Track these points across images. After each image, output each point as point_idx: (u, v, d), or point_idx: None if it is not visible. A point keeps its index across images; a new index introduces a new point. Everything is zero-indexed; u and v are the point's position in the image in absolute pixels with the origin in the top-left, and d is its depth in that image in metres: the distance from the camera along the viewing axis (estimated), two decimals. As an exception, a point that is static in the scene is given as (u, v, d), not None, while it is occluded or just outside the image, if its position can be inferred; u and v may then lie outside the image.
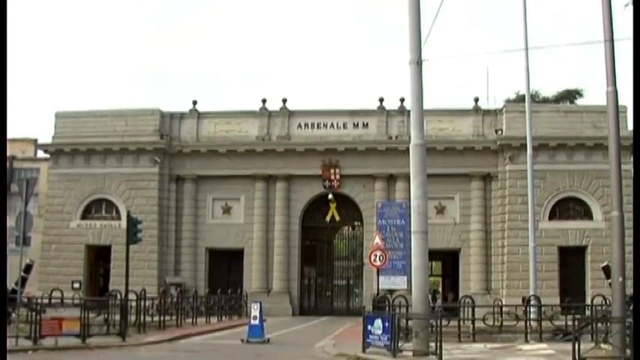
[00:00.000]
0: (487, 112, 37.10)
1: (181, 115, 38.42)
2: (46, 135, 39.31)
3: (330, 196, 37.05)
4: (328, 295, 39.13)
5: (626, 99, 17.27)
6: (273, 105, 38.05)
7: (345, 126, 37.11)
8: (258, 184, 37.42)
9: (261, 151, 37.18)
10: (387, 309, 20.32)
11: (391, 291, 28.12)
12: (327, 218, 37.89)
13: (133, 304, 22.72)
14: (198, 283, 36.45)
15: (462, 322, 21.09)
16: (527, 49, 27.81)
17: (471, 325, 20.78)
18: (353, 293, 39.33)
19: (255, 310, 20.48)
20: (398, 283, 29.96)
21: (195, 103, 38.53)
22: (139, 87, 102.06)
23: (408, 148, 17.12)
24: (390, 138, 36.72)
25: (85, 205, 37.58)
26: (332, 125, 37.17)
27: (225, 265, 37.51)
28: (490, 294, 33.74)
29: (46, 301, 20.99)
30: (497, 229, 35.77)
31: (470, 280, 35.78)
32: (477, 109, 37.05)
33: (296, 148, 36.94)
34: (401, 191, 35.53)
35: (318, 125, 37.31)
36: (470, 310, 21.59)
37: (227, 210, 37.77)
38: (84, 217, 37.57)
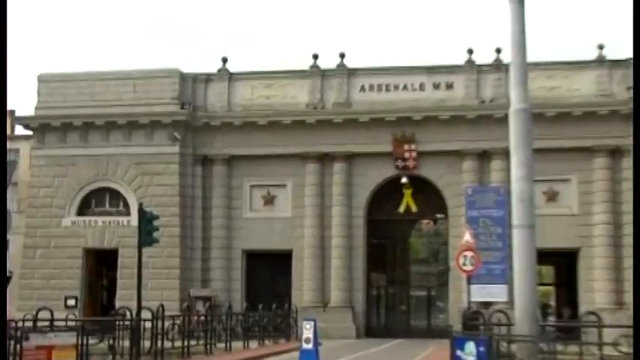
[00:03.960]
0: (616, 64, 36.27)
1: (207, 78, 38.69)
2: (26, 105, 39.89)
3: (404, 179, 36.95)
4: (403, 309, 39.18)
5: None
6: (328, 62, 38.05)
7: (422, 87, 36.88)
8: (310, 165, 37.52)
9: (313, 122, 37.22)
10: (481, 328, 20.06)
11: (487, 304, 27.90)
12: (401, 209, 37.81)
13: (148, 325, 22.82)
14: (232, 295, 36.81)
15: (583, 348, 20.62)
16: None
17: (598, 352, 20.30)
18: (436, 307, 39.28)
19: (307, 331, 20.48)
20: (495, 293, 29.46)
21: (225, 61, 38.71)
22: (151, 44, 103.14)
23: (506, 115, 16.83)
24: (483, 102, 36.36)
25: (83, 196, 38.06)
26: (405, 87, 36.94)
27: (268, 272, 37.70)
28: (623, 309, 33.08)
29: (29, 324, 21.06)
30: (630, 222, 34.92)
31: (594, 291, 35.21)
32: (601, 60, 36.43)
33: (358, 117, 36.86)
34: (498, 172, 35.18)
35: (387, 87, 37.13)
36: (595, 330, 21.07)
37: (269, 200, 37.97)
38: (81, 212, 38.04)
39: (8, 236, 20.73)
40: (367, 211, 37.79)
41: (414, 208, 37.90)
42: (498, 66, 35.92)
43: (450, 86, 36.98)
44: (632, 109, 13.21)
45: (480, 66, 36.98)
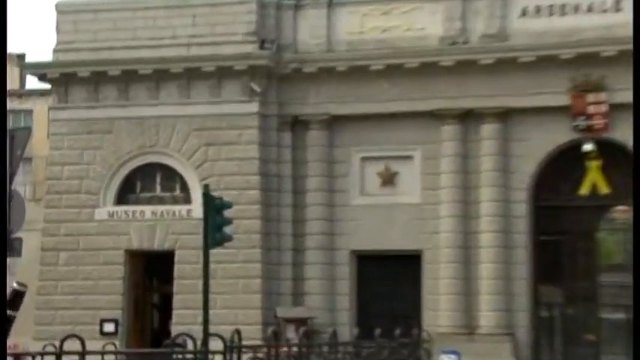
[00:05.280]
0: None
1: (297, 4, 38.80)
2: (41, 47, 39.77)
3: (589, 146, 36.19)
4: (590, 339, 38.37)
5: None
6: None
7: (617, 7, 36.04)
8: (447, 128, 37.33)
9: (452, 64, 36.88)
10: None
11: None
12: (584, 190, 37.20)
13: (218, 359, 22.66)
14: (337, 317, 37.00)
15: None
16: None
17: None
18: (640, 336, 38.28)
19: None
20: None
21: (321, -20, 38.71)
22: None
23: None
24: None
25: (123, 176, 38.49)
26: (590, 8, 36.35)
27: (388, 282, 37.66)
28: None
29: (51, 359, 20.68)
30: None
31: None
32: None
33: (518, 55, 36.42)
34: None
35: (561, 9, 36.62)
36: None
37: (389, 179, 37.88)
38: (121, 199, 38.54)
39: (21, 234, 20.63)
40: (533, 193, 37.34)
41: (603, 189, 37.12)
42: None
43: (659, 4, 35.89)
44: (633, 107, 12.48)
45: None
